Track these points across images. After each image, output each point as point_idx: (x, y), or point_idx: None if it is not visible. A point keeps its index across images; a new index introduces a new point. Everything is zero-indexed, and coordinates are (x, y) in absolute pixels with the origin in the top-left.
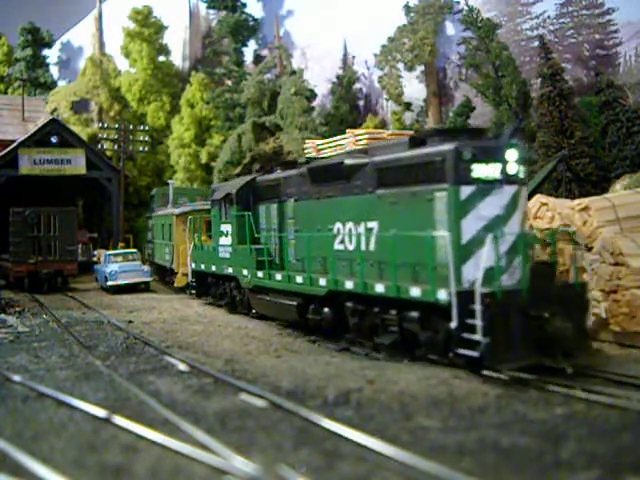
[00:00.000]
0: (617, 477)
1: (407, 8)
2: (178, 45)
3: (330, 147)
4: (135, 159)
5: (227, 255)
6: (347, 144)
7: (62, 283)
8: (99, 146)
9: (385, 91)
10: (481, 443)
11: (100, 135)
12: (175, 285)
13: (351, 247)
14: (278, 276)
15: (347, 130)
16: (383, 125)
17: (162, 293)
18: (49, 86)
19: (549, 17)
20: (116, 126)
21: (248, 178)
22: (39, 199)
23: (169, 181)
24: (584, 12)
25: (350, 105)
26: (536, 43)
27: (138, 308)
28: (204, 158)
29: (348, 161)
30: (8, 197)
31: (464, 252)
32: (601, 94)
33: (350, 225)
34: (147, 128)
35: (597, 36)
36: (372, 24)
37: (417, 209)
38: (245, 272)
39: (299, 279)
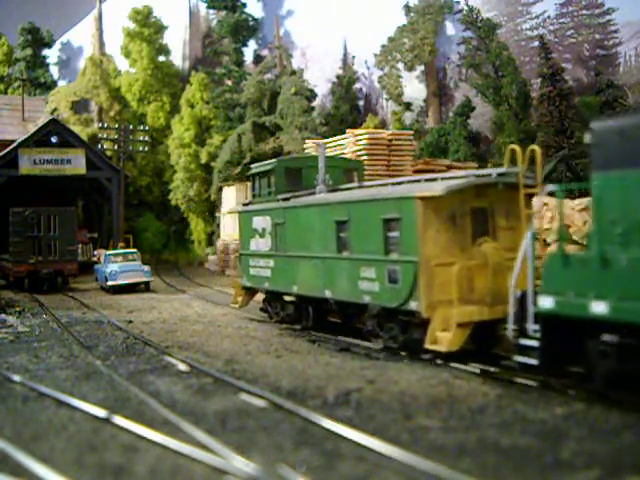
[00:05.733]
0: (617, 477)
1: (407, 8)
2: (178, 45)
3: (330, 147)
4: (135, 159)
5: None
6: (347, 144)
7: (62, 283)
8: (99, 146)
9: (385, 91)
10: (481, 443)
11: (100, 135)
12: (432, 346)
13: None
14: None
15: (347, 130)
16: (383, 125)
17: (162, 293)
18: (49, 86)
19: (549, 17)
20: (116, 126)
21: None
22: (39, 199)
23: (318, 141)
24: (584, 12)
25: (350, 105)
26: (536, 43)
27: (138, 308)
28: (204, 158)
29: None
30: (8, 197)
31: None
32: (601, 94)
33: None
34: (147, 128)
35: (597, 36)
36: (372, 24)
37: None
38: None
39: None
